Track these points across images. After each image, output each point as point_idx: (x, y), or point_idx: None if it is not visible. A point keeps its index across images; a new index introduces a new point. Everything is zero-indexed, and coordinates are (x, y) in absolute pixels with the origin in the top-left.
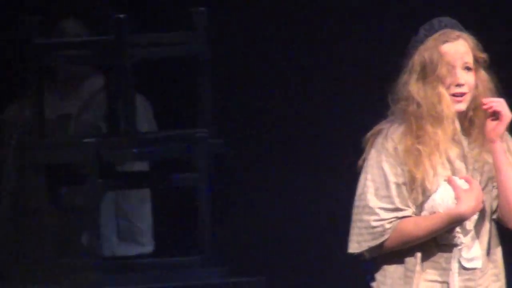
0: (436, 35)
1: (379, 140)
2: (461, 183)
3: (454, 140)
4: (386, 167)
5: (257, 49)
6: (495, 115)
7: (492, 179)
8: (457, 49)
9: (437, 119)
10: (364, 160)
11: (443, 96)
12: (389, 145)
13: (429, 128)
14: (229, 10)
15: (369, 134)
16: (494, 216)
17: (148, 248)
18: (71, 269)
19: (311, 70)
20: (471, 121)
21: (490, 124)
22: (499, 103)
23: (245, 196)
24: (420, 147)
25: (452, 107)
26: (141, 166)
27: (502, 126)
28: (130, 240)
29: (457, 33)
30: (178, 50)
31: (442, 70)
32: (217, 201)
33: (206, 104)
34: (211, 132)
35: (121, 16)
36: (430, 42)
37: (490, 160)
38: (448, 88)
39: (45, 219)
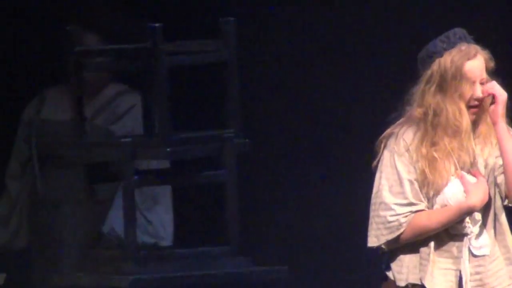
0: (455, 51)
1: (391, 141)
2: (469, 177)
3: (470, 145)
4: (399, 166)
5: (280, 57)
6: (493, 99)
7: (493, 170)
8: (477, 66)
9: (456, 132)
10: (378, 161)
11: (464, 112)
12: (401, 146)
13: (446, 138)
14: (255, 19)
15: (381, 136)
16: (506, 203)
17: (165, 242)
18: (110, 258)
19: (330, 77)
20: (475, 120)
21: (491, 108)
22: (491, 86)
23: (268, 191)
24: (436, 154)
25: (469, 121)
26: (174, 164)
27: (500, 106)
28: (145, 235)
29: (474, 49)
30: (208, 57)
31: (465, 88)
32: (243, 196)
33: (233, 107)
34: (237, 132)
35: (156, 25)
36: (450, 57)
37: (492, 153)
38: (467, 102)
39: (84, 212)
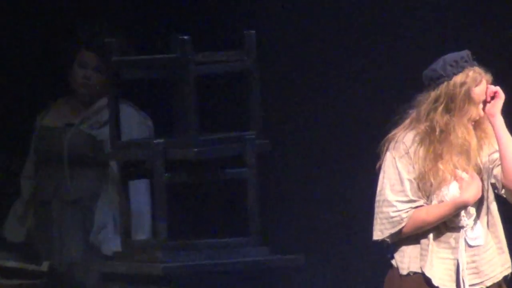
0: (463, 76)
1: (393, 145)
2: (463, 175)
3: (474, 159)
4: (400, 166)
5: (297, 65)
6: (493, 97)
7: (487, 168)
8: (482, 90)
9: (466, 150)
10: (381, 162)
11: (472, 132)
12: (401, 149)
13: (454, 156)
14: (274, 31)
15: (384, 139)
16: (502, 192)
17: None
18: (143, 248)
19: (341, 83)
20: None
21: (490, 103)
22: (497, 87)
23: (286, 187)
24: (441, 166)
25: (475, 141)
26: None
27: (500, 101)
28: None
29: (480, 74)
30: (232, 66)
31: (472, 110)
32: (264, 191)
33: (254, 111)
34: (258, 134)
35: (186, 37)
36: (459, 82)
37: (485, 152)
38: (473, 118)
39: (121, 206)
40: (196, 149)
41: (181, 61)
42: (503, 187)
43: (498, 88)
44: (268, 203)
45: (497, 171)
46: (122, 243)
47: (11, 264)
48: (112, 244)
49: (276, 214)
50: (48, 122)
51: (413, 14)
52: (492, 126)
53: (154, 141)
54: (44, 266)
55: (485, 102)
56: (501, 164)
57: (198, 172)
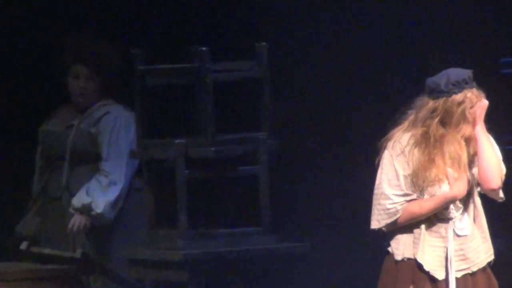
0: (461, 96)
1: (391, 144)
2: (451, 172)
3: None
4: (396, 164)
5: (304, 73)
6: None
7: (471, 167)
8: (476, 111)
9: (457, 160)
10: (379, 159)
11: (463, 147)
12: (398, 147)
13: (443, 157)
14: (284, 42)
15: (383, 139)
16: (478, 189)
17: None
18: (165, 237)
19: (345, 91)
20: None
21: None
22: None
23: (294, 182)
24: (434, 170)
25: (465, 149)
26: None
27: (481, 110)
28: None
29: (476, 96)
30: (246, 74)
31: (466, 129)
32: (274, 186)
33: (266, 114)
34: (269, 134)
35: (204, 48)
36: (457, 101)
37: (471, 152)
38: (465, 135)
39: (146, 200)
40: (213, 148)
41: (199, 69)
42: (479, 184)
43: (482, 99)
44: (277, 196)
45: (475, 170)
46: (147, 233)
47: (48, 251)
48: (78, 197)
49: (285, 207)
50: (52, 127)
51: (418, 21)
52: (476, 132)
53: (176, 141)
54: (78, 253)
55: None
56: (478, 164)
57: (215, 169)
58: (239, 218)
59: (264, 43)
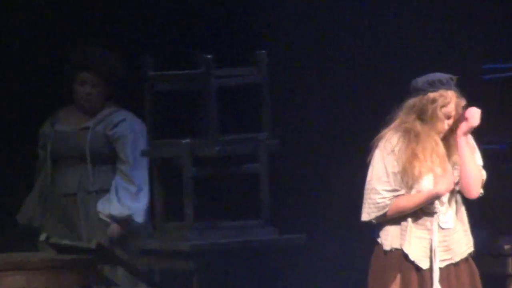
0: (436, 95)
1: (381, 143)
2: (438, 171)
3: (442, 157)
4: (386, 162)
5: (301, 78)
6: (465, 119)
7: (455, 166)
8: (450, 110)
9: (432, 151)
10: (371, 157)
11: (439, 143)
12: (388, 147)
13: (423, 151)
14: (282, 50)
15: (375, 139)
16: (458, 188)
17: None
18: (174, 229)
19: (339, 95)
20: (444, 135)
21: (461, 125)
22: (472, 113)
23: (292, 179)
24: (416, 162)
25: (443, 148)
26: (221, 159)
27: (467, 125)
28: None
29: (450, 97)
30: (247, 80)
31: (438, 125)
32: (273, 182)
33: (266, 116)
34: (269, 135)
35: (209, 56)
36: (430, 99)
37: (454, 155)
38: (438, 131)
39: (157, 195)
40: (217, 148)
41: (204, 75)
42: (460, 189)
43: (471, 116)
44: (276, 192)
45: (457, 173)
46: (156, 225)
47: (66, 242)
48: (108, 206)
49: (283, 201)
50: (62, 127)
51: (410, 30)
52: (459, 146)
53: (183, 141)
54: (93, 244)
55: (458, 121)
56: (460, 174)
57: (219, 167)
58: (241, 212)
59: (263, 51)
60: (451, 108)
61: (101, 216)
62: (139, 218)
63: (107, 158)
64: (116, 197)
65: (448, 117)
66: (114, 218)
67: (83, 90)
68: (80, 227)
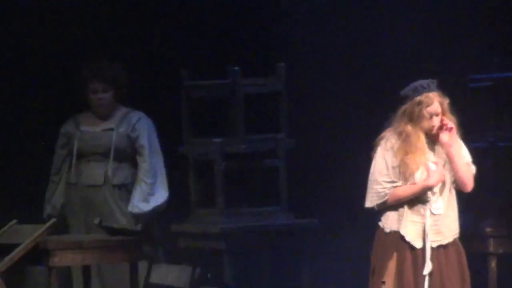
0: (421, 98)
1: (382, 142)
2: (431, 165)
3: (429, 146)
4: (386, 157)
5: (315, 87)
6: (445, 127)
7: (446, 160)
8: (434, 110)
9: (416, 148)
10: (374, 154)
11: (421, 138)
12: (388, 145)
13: (412, 147)
14: (298, 63)
15: (377, 138)
16: (455, 185)
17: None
18: (207, 214)
19: (348, 102)
20: (437, 135)
21: (442, 134)
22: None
23: (307, 171)
24: (409, 159)
25: (424, 143)
26: (247, 154)
27: (448, 133)
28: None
29: (432, 98)
30: (268, 88)
31: (424, 123)
32: (290, 175)
33: (284, 119)
34: (287, 135)
35: (236, 68)
36: (416, 102)
37: (442, 153)
38: (425, 130)
39: (191, 186)
40: (244, 146)
41: (232, 84)
42: (456, 186)
43: (446, 121)
44: (293, 183)
45: (450, 170)
46: (192, 211)
47: (115, 225)
48: (138, 205)
49: (299, 191)
50: (87, 128)
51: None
52: (446, 153)
53: (215, 140)
54: (139, 226)
55: (441, 127)
56: (455, 175)
57: (245, 162)
58: (263, 200)
59: (282, 64)
60: (435, 107)
61: (134, 211)
62: (161, 206)
63: (128, 155)
64: (140, 196)
65: (436, 115)
66: (143, 213)
67: (96, 96)
68: (103, 213)
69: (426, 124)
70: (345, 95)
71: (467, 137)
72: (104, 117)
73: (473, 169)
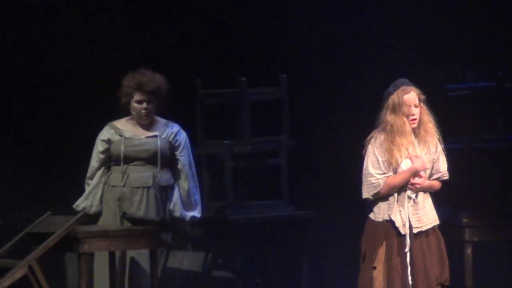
0: (399, 90)
1: (372, 140)
2: (412, 152)
3: (411, 140)
4: (376, 153)
5: (312, 95)
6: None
7: (430, 160)
8: (410, 97)
9: (402, 133)
10: (365, 150)
11: (406, 123)
12: (377, 143)
13: (398, 138)
14: (298, 74)
15: (368, 137)
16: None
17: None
18: (218, 207)
19: (344, 107)
20: (418, 130)
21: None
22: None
23: (306, 169)
24: (393, 147)
25: (409, 128)
26: (253, 155)
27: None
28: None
29: (409, 88)
30: (272, 96)
31: (405, 109)
32: (291, 173)
33: (285, 123)
34: (288, 137)
35: (243, 78)
36: (397, 94)
37: (429, 146)
38: (407, 117)
39: (204, 182)
40: (250, 147)
41: (240, 93)
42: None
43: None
44: (293, 179)
45: (431, 164)
46: (205, 205)
47: (138, 216)
48: (187, 214)
49: (299, 186)
50: (130, 135)
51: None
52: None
53: (225, 142)
54: (158, 218)
55: (414, 130)
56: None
57: (251, 161)
58: (268, 194)
59: (284, 75)
60: (413, 96)
61: (184, 217)
62: (198, 218)
63: (168, 160)
64: (180, 203)
65: (415, 105)
66: (183, 220)
67: (140, 107)
68: (146, 211)
69: (406, 110)
70: (339, 103)
71: (446, 139)
72: (146, 126)
73: (447, 176)
